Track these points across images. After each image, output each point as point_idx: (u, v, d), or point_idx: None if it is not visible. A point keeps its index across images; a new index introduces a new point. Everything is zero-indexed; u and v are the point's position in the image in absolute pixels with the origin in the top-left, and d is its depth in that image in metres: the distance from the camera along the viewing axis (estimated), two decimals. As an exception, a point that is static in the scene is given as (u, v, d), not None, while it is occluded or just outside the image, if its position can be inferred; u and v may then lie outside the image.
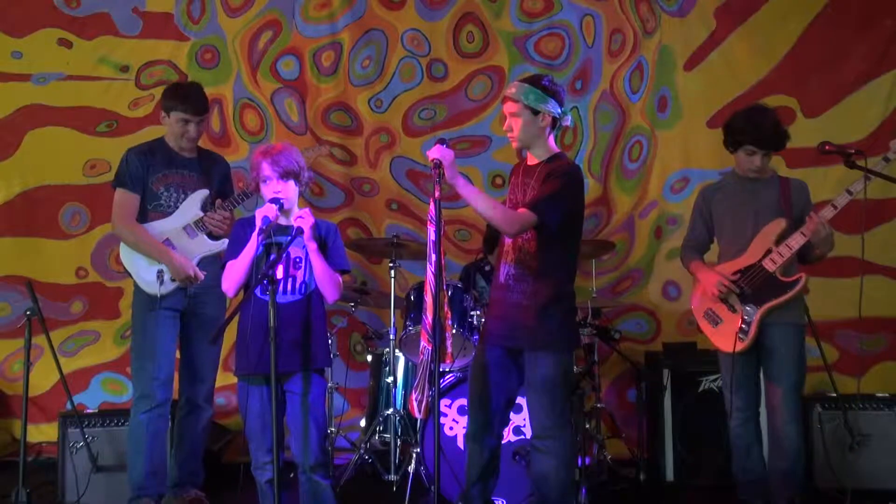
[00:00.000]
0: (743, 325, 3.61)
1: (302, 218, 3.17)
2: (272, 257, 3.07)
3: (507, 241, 3.33)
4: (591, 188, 5.40)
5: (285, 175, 3.24)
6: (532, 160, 3.35)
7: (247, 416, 3.21)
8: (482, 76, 5.40)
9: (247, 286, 3.22)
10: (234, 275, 3.22)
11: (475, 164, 5.33)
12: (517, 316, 3.24)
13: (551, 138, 3.32)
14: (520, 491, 3.77)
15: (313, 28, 5.41)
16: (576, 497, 3.71)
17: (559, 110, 3.25)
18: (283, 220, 3.24)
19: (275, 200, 3.19)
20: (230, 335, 3.33)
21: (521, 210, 3.16)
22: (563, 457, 3.23)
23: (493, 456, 3.36)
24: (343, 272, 3.33)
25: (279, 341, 3.07)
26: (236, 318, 3.14)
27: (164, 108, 3.90)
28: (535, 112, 3.22)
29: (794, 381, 3.61)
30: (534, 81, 3.25)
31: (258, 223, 3.12)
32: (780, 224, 3.61)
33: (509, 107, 3.25)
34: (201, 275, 3.82)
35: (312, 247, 3.20)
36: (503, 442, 3.78)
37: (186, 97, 3.86)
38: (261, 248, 3.13)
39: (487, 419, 3.33)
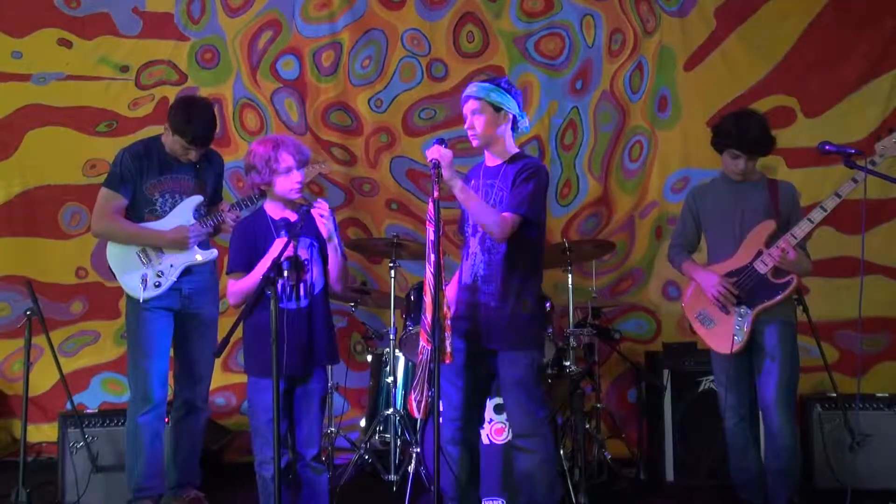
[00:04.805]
0: (737, 327, 3.62)
1: (323, 216, 3.15)
2: (282, 259, 3.04)
3: (473, 242, 3.33)
4: (591, 188, 5.40)
5: (303, 164, 3.26)
6: (492, 160, 3.36)
7: (256, 414, 3.22)
8: (482, 76, 5.39)
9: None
10: (241, 296, 3.18)
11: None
12: (487, 317, 3.25)
13: (510, 138, 3.34)
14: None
15: (313, 28, 5.41)
16: (567, 493, 3.70)
17: (518, 110, 3.29)
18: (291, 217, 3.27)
19: (290, 232, 3.11)
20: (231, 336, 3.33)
21: (506, 214, 3.17)
22: (546, 452, 3.24)
23: (477, 454, 3.39)
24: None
25: (295, 345, 3.13)
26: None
27: (169, 123, 3.75)
28: (497, 109, 3.24)
29: (786, 380, 3.61)
30: (493, 81, 3.30)
31: (275, 253, 3.06)
32: (769, 225, 3.63)
33: (471, 105, 3.27)
34: (197, 230, 3.76)
35: (334, 244, 3.22)
36: (503, 442, 3.79)
37: (193, 128, 3.69)
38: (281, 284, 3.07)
39: (466, 419, 3.34)
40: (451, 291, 3.43)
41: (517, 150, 3.36)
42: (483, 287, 3.26)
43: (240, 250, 3.28)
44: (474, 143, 3.31)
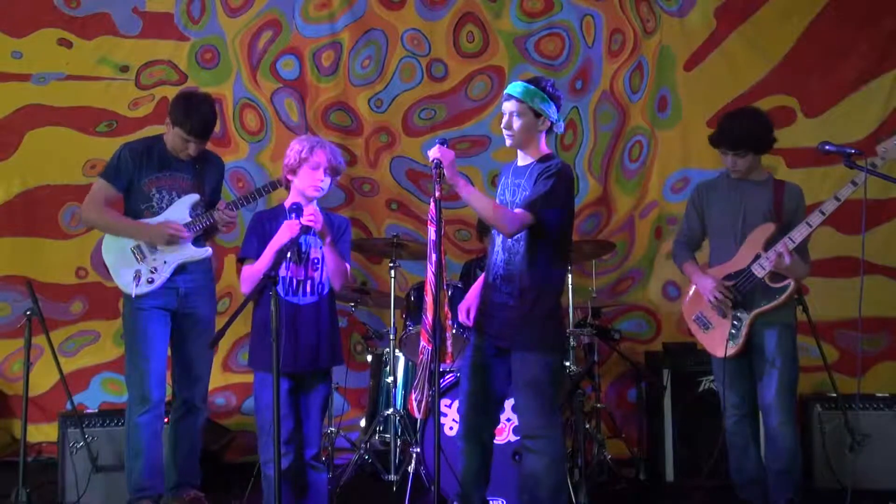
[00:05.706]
0: (733, 331, 3.61)
1: (312, 216, 3.19)
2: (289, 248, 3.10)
3: (497, 241, 3.33)
4: (591, 188, 5.40)
5: (334, 171, 3.33)
6: (523, 160, 3.35)
7: (261, 411, 3.24)
8: (482, 76, 5.40)
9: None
10: (253, 281, 3.21)
11: (475, 164, 5.33)
12: (504, 316, 3.24)
13: (544, 141, 3.31)
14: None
15: (313, 28, 5.41)
16: (570, 497, 3.70)
17: (556, 116, 3.26)
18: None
19: (298, 211, 3.17)
20: (230, 335, 3.33)
21: (518, 210, 3.16)
22: (554, 456, 3.22)
23: (488, 454, 3.37)
24: None
25: (301, 342, 3.19)
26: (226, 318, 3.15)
27: (169, 116, 3.79)
28: (538, 114, 3.22)
29: (786, 382, 3.61)
30: (538, 84, 3.23)
31: (284, 237, 3.13)
32: (768, 229, 3.62)
33: (512, 105, 3.23)
34: (183, 230, 3.75)
35: (328, 240, 3.26)
36: (503, 442, 3.79)
37: (192, 118, 3.73)
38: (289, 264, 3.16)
39: (482, 417, 3.34)
40: (476, 289, 3.46)
41: (548, 151, 3.33)
42: (501, 286, 3.26)
43: (252, 240, 3.33)
44: (508, 142, 3.29)
